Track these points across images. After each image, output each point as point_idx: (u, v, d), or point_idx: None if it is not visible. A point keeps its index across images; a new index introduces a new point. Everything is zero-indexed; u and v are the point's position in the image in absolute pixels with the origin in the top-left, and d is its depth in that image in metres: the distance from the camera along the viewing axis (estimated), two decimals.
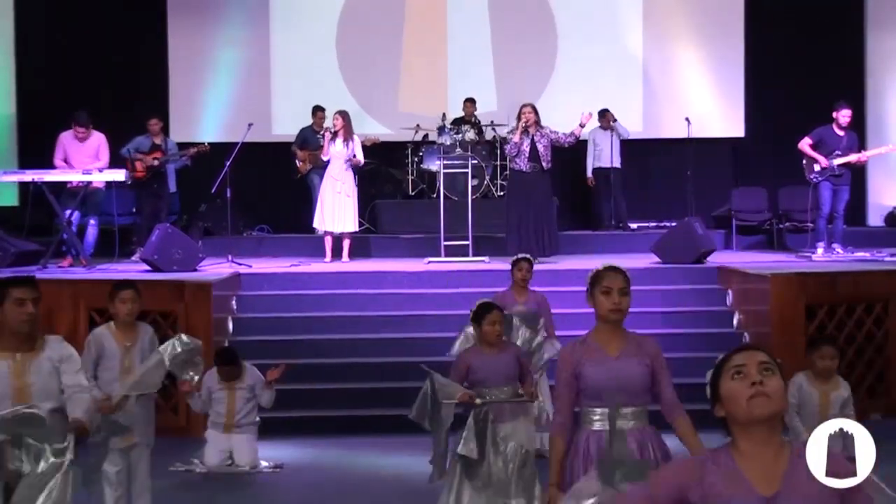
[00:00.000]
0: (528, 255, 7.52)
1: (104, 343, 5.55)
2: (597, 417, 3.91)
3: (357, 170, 11.33)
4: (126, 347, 5.56)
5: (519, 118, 10.48)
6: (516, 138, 10.45)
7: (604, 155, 12.99)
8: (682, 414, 3.99)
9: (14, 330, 4.32)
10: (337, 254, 11.22)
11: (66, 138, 10.80)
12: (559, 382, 4.01)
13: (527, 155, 10.44)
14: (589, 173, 13.23)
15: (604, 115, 13.00)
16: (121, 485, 5.63)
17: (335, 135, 11.07)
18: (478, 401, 5.34)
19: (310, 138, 12.46)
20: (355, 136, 11.17)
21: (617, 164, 12.96)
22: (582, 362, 3.90)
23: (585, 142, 13.17)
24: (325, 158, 11.21)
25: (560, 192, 13.06)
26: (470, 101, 13.12)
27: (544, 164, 10.49)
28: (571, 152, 13.07)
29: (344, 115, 11.16)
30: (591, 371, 3.87)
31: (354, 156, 11.09)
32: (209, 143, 11.70)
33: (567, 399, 3.97)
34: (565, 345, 4.14)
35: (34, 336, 4.39)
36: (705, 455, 2.56)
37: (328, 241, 11.21)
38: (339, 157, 11.05)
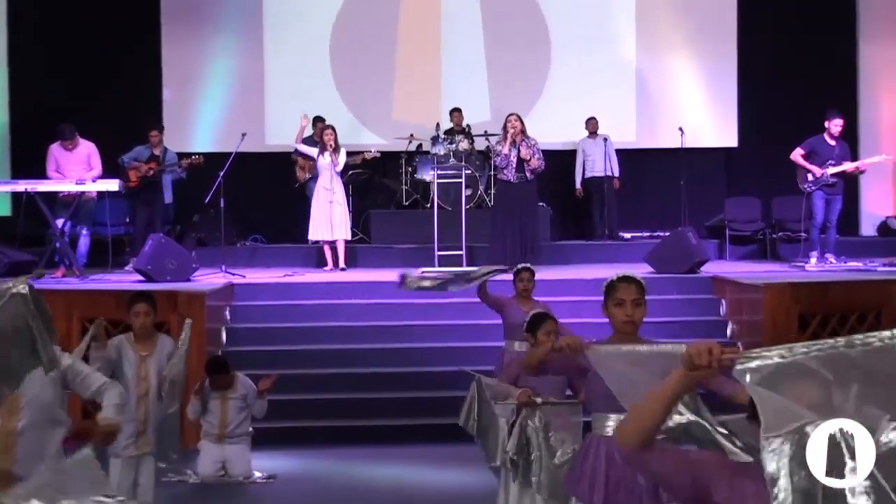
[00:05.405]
0: (528, 265, 7.46)
1: (121, 350, 5.66)
2: (610, 423, 3.87)
3: (347, 179, 11.42)
4: (142, 357, 5.66)
5: (505, 128, 10.50)
6: (505, 150, 10.44)
7: (596, 164, 12.98)
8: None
9: None
10: (333, 262, 11.24)
11: (55, 149, 10.81)
12: (550, 362, 3.93)
13: (514, 165, 10.46)
14: (577, 184, 13.18)
15: (589, 122, 13.02)
16: (125, 494, 5.62)
17: (323, 148, 11.13)
18: (538, 399, 5.17)
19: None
20: (342, 149, 11.25)
21: (610, 172, 12.97)
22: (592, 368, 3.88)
23: (574, 151, 13.21)
24: (294, 146, 11.52)
25: (554, 201, 13.05)
26: (457, 111, 13.07)
27: (528, 174, 10.51)
28: (563, 162, 13.11)
29: (334, 129, 11.27)
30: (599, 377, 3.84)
31: (344, 166, 11.25)
32: (203, 154, 11.71)
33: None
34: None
35: None
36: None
37: (328, 251, 11.23)
38: (328, 168, 11.10)
